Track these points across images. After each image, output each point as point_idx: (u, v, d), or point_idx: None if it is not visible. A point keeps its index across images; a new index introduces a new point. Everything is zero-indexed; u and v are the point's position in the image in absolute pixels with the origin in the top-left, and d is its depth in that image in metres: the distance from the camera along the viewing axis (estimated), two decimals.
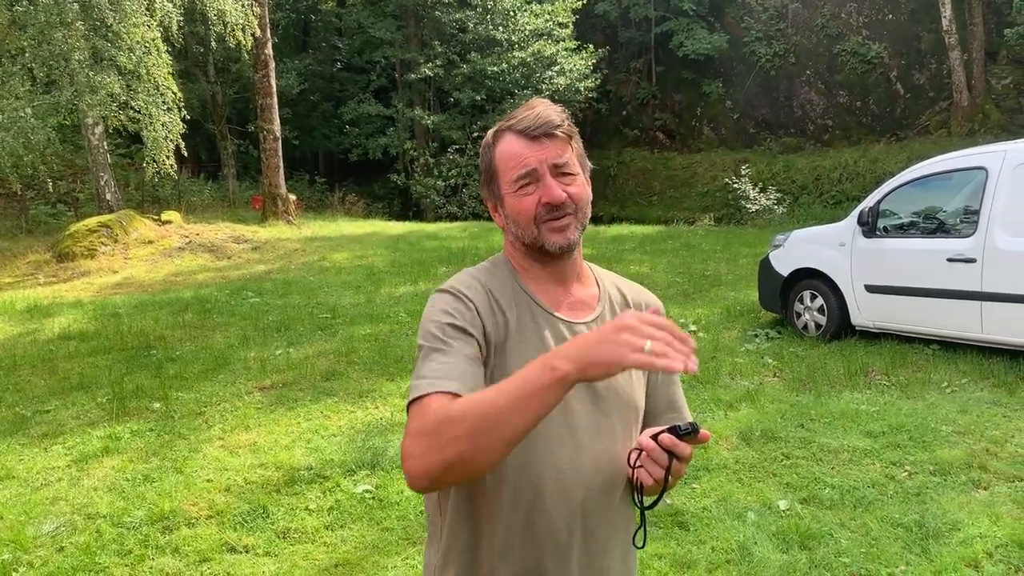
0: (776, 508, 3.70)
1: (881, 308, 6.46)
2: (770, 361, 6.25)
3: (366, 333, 7.34)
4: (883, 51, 22.74)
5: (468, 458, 1.03)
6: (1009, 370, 5.55)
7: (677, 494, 3.86)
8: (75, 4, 11.17)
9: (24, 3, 11.17)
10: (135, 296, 9.59)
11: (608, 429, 1.29)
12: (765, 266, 7.47)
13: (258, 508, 3.85)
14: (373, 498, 3.93)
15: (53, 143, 12.58)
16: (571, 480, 1.24)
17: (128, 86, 12.15)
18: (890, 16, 23.07)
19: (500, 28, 23.19)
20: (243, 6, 13.99)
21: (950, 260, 5.88)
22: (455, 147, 22.90)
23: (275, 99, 15.90)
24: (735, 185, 18.83)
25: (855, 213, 6.63)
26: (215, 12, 13.67)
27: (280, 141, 16.06)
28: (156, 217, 13.95)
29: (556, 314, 1.31)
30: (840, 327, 6.70)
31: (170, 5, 12.57)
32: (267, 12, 15.76)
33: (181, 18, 13.32)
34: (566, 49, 23.90)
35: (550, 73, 23.29)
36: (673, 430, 1.18)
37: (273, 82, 15.79)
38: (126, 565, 3.38)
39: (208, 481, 4.20)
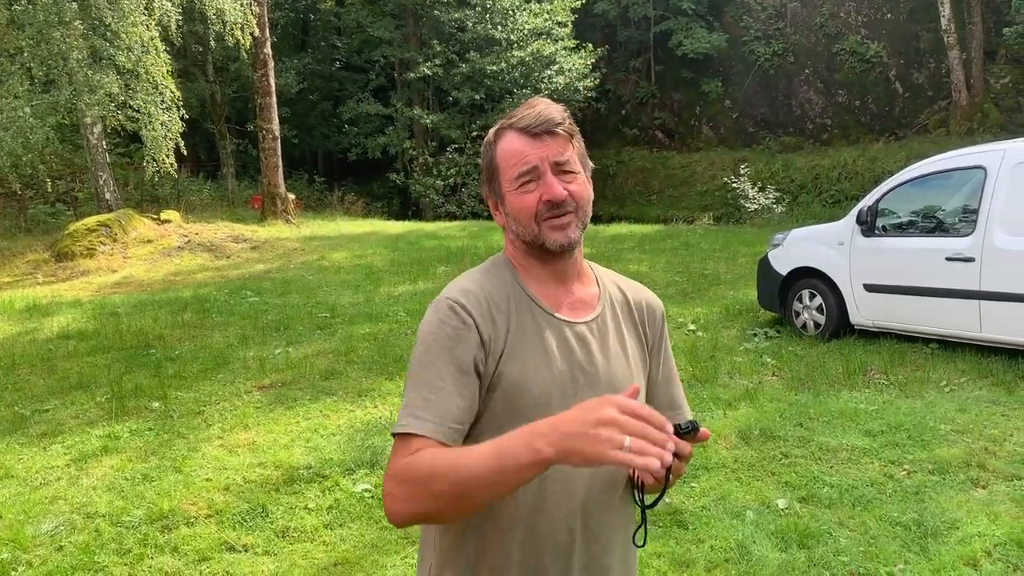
0: (775, 507, 3.70)
1: (880, 307, 6.46)
2: (769, 360, 6.26)
3: (365, 332, 7.34)
4: (882, 50, 22.76)
5: (445, 514, 1.13)
6: (1008, 369, 5.56)
7: (676, 493, 3.86)
8: (73, 3, 11.16)
9: (23, 2, 11.16)
10: (134, 295, 9.58)
11: None
12: (764, 265, 7.47)
13: (257, 507, 3.85)
14: (372, 497, 3.93)
15: (52, 142, 12.59)
16: (572, 480, 1.24)
17: (127, 85, 12.14)
18: (889, 15, 23.09)
19: (499, 27, 23.19)
20: (242, 5, 13.97)
21: (949, 259, 5.88)
22: (454, 146, 22.90)
23: (274, 98, 15.89)
24: (734, 184, 18.84)
25: (854, 212, 6.63)
26: (214, 11, 13.65)
27: (279, 140, 16.06)
28: (155, 216, 13.94)
29: (556, 315, 1.30)
30: (839, 326, 6.70)
31: (169, 4, 12.55)
32: (266, 11, 15.75)
33: (180, 17, 13.30)
34: (565, 48, 23.90)
35: (549, 72, 23.29)
36: (673, 428, 1.17)
37: (272, 81, 15.78)
38: (125, 564, 3.38)
39: (207, 480, 4.20)
